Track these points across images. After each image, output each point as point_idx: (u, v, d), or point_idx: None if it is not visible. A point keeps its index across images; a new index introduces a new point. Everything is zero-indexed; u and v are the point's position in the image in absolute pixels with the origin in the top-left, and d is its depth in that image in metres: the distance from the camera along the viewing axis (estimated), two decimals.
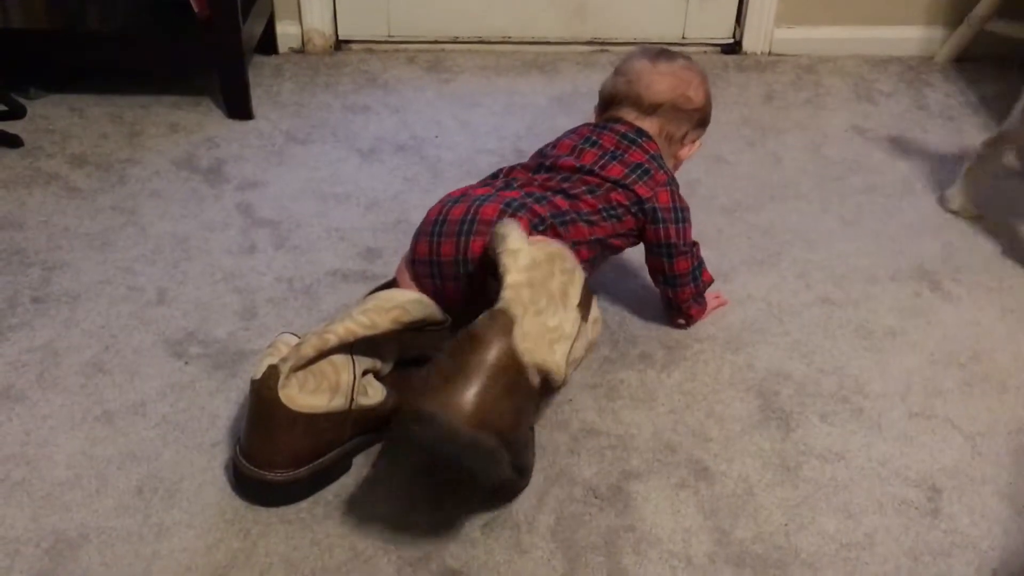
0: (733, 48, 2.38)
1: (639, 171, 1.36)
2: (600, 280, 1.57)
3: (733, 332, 1.48)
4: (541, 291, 1.09)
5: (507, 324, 1.05)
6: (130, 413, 1.30)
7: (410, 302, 1.20)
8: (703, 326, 1.49)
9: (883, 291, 1.58)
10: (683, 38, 2.36)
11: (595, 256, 1.35)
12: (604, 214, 1.34)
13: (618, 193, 1.35)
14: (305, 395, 1.13)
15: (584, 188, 1.34)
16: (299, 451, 1.15)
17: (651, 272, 1.43)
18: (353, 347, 1.17)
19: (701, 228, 1.45)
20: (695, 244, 1.41)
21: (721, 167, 1.91)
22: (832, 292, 1.57)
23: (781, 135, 2.03)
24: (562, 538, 1.15)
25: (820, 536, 1.16)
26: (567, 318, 1.11)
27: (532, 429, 1.23)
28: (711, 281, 1.46)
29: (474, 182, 1.44)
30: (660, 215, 1.36)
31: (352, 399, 1.17)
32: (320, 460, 1.17)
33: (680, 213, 1.38)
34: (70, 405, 1.31)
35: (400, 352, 1.26)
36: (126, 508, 1.17)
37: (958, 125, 2.08)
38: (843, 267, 1.63)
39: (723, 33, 2.37)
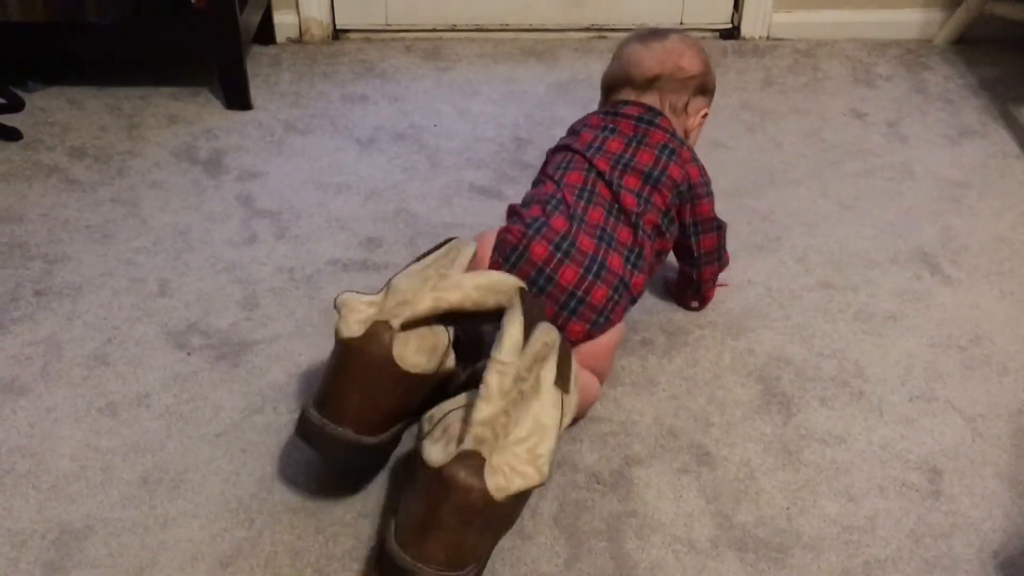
0: (731, 33, 2.37)
1: (666, 152, 1.36)
2: None
3: (733, 317, 1.48)
4: (513, 408, 1.03)
5: (477, 466, 0.98)
6: (134, 404, 1.31)
7: (518, 291, 1.16)
8: (703, 311, 1.49)
9: (883, 275, 1.58)
10: (681, 23, 2.35)
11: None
12: (663, 226, 1.34)
13: (658, 194, 1.34)
14: (411, 353, 1.10)
15: (640, 199, 1.32)
16: (396, 413, 1.12)
17: (676, 252, 1.44)
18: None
19: None
20: (723, 222, 1.42)
21: (720, 152, 1.91)
22: (832, 276, 1.57)
23: (780, 120, 2.03)
24: (565, 524, 1.16)
25: (822, 519, 1.17)
26: (543, 409, 1.04)
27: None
28: (728, 262, 1.47)
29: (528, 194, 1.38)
30: (695, 191, 1.38)
31: (442, 363, 1.14)
32: (404, 423, 1.15)
33: (709, 186, 1.40)
34: (74, 397, 1.32)
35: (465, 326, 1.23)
36: (131, 499, 1.17)
37: (957, 108, 2.08)
38: (842, 251, 1.63)
39: (721, 18, 2.37)
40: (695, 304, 1.48)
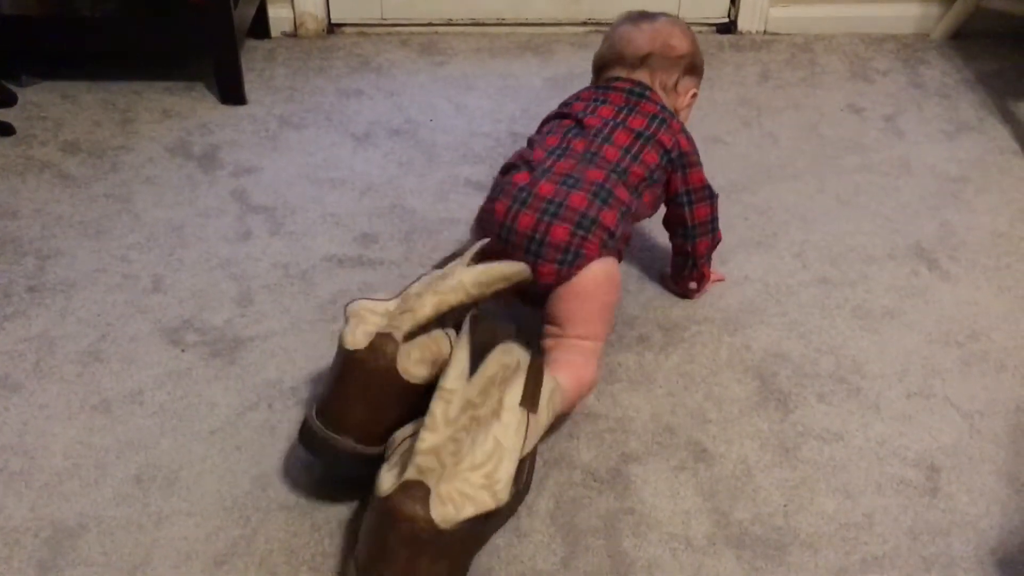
0: (728, 27, 2.36)
1: (656, 120, 1.38)
2: None
3: (731, 313, 1.48)
4: (465, 434, 1.02)
5: (421, 496, 0.98)
6: (127, 402, 1.30)
7: (516, 273, 1.19)
8: (700, 307, 1.48)
9: (880, 270, 1.57)
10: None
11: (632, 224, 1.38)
12: (647, 182, 1.34)
13: (650, 150, 1.35)
14: (414, 365, 1.09)
15: (628, 155, 1.33)
16: (399, 422, 1.10)
17: (669, 226, 1.45)
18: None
19: None
20: (715, 192, 1.43)
21: (717, 147, 1.90)
22: (829, 272, 1.57)
23: (777, 114, 2.02)
24: (562, 522, 1.15)
25: (819, 516, 1.16)
26: (504, 432, 1.04)
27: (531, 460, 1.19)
28: (721, 239, 1.47)
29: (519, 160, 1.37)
30: (687, 159, 1.38)
31: (443, 371, 1.11)
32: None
33: (697, 156, 1.41)
34: (67, 394, 1.31)
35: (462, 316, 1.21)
36: (125, 497, 1.17)
37: (954, 102, 2.07)
38: (840, 246, 1.63)
39: (718, 12, 2.36)
40: (693, 285, 1.48)
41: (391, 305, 1.13)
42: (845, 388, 1.35)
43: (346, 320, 1.12)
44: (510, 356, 1.07)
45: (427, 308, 1.10)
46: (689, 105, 1.50)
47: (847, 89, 2.12)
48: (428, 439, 0.99)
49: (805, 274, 1.56)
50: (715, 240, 1.45)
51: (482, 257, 1.21)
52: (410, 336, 1.10)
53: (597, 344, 1.29)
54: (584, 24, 2.35)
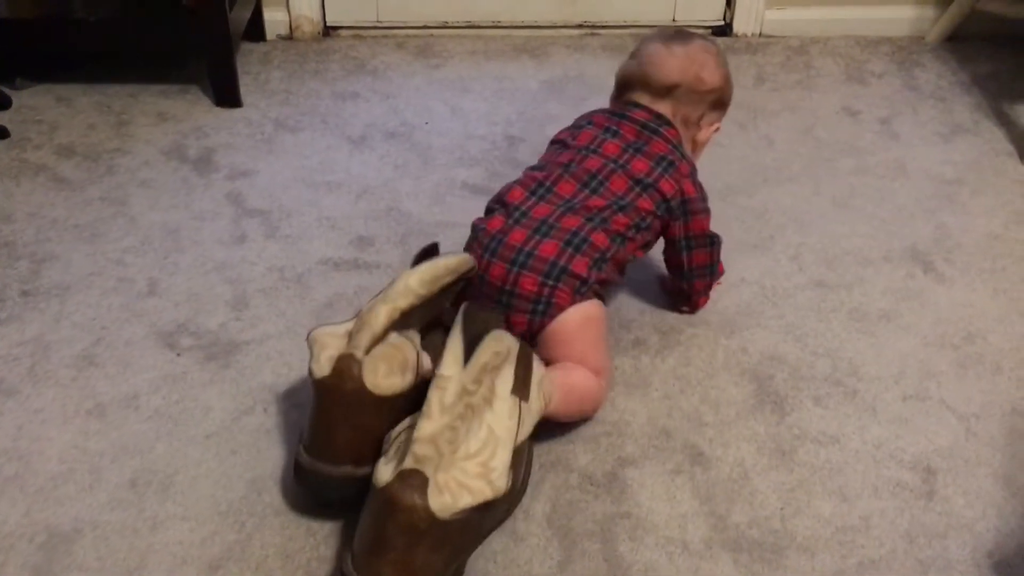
0: (724, 30, 2.37)
1: (663, 164, 1.34)
2: None
3: (727, 316, 1.48)
4: (461, 422, 1.02)
5: (419, 484, 0.98)
6: (122, 406, 1.29)
7: (460, 263, 1.19)
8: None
9: (876, 273, 1.58)
10: (673, 20, 2.34)
11: (622, 267, 1.35)
12: (634, 230, 1.31)
13: (645, 198, 1.32)
14: (383, 378, 1.09)
15: (615, 204, 1.30)
16: (381, 438, 1.10)
17: (668, 265, 1.44)
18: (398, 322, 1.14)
19: None
20: (717, 237, 1.40)
21: (713, 150, 1.89)
22: (825, 275, 1.57)
23: (773, 117, 2.02)
24: (558, 525, 1.15)
25: (816, 520, 1.16)
26: (496, 419, 1.04)
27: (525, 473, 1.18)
28: (723, 272, 1.46)
29: (503, 188, 1.38)
30: (690, 206, 1.35)
31: (417, 373, 1.12)
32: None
33: (703, 202, 1.37)
34: (62, 398, 1.30)
35: (426, 317, 1.22)
36: (120, 502, 1.16)
37: (949, 105, 2.07)
38: (836, 249, 1.63)
39: (713, 15, 2.36)
40: (685, 308, 1.48)
41: (350, 326, 1.13)
42: (841, 391, 1.35)
43: (310, 350, 1.12)
44: (501, 344, 1.07)
45: (381, 318, 1.11)
46: (709, 136, 1.45)
47: (842, 92, 2.12)
48: (426, 427, 1.00)
49: (801, 277, 1.56)
50: (714, 278, 1.44)
51: (425, 258, 1.21)
52: (371, 349, 1.10)
53: (598, 370, 1.26)
54: (580, 27, 2.35)
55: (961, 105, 2.07)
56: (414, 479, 0.98)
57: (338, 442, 1.10)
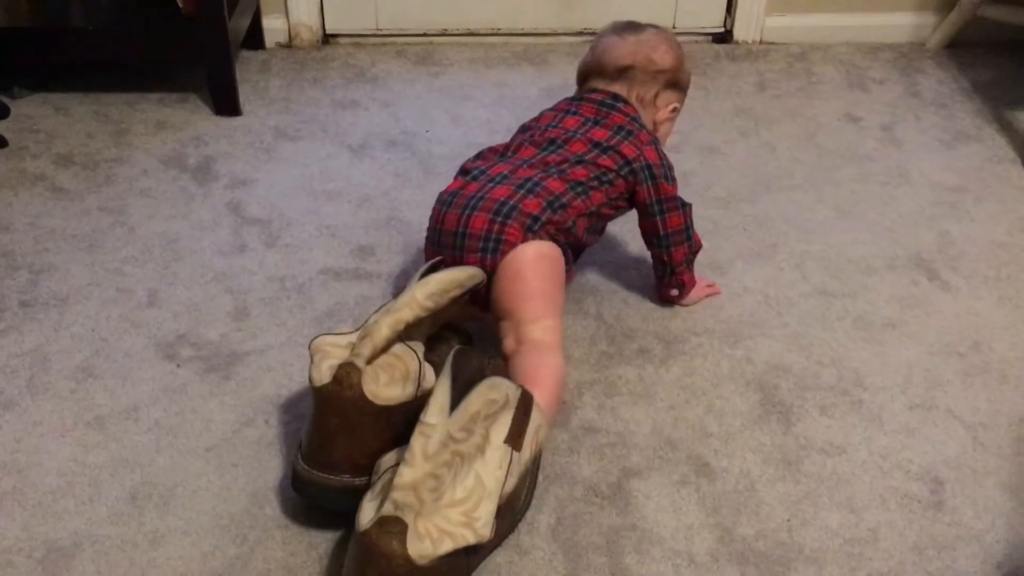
0: (724, 37, 2.36)
1: (622, 132, 1.39)
2: (596, 273, 1.56)
3: (731, 325, 1.47)
4: (447, 469, 0.99)
5: (399, 531, 0.96)
6: (122, 418, 1.28)
7: (469, 278, 1.20)
8: (700, 319, 1.47)
9: (880, 281, 1.57)
10: (673, 27, 2.34)
11: (591, 226, 1.38)
12: (596, 182, 1.35)
13: (605, 158, 1.36)
14: (383, 388, 1.08)
15: (573, 159, 1.35)
16: (386, 447, 1.09)
17: (645, 236, 1.44)
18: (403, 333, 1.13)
19: (696, 220, 1.44)
20: (687, 203, 1.41)
21: (715, 158, 1.89)
22: (829, 283, 1.56)
23: (774, 124, 2.01)
24: (563, 538, 1.14)
25: (823, 531, 1.15)
26: (486, 469, 1.01)
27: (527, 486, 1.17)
28: (701, 245, 1.45)
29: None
30: (652, 171, 1.38)
31: (419, 385, 1.11)
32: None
33: (668, 170, 1.40)
34: (61, 411, 1.29)
35: (432, 329, 1.22)
36: (120, 515, 1.15)
37: (951, 112, 2.07)
38: (839, 258, 1.62)
39: (714, 22, 2.36)
40: (675, 292, 1.46)
41: (353, 338, 1.12)
42: (847, 400, 1.34)
43: (311, 358, 1.11)
44: (497, 391, 1.04)
45: (384, 330, 1.10)
46: (669, 119, 1.49)
47: (844, 98, 2.12)
48: (406, 474, 0.98)
49: (805, 285, 1.55)
50: (692, 247, 1.43)
51: (433, 271, 1.20)
52: (373, 360, 1.08)
53: (550, 326, 1.25)
54: (579, 33, 2.34)
55: (963, 112, 2.07)
56: (393, 526, 0.96)
57: (336, 451, 1.09)
